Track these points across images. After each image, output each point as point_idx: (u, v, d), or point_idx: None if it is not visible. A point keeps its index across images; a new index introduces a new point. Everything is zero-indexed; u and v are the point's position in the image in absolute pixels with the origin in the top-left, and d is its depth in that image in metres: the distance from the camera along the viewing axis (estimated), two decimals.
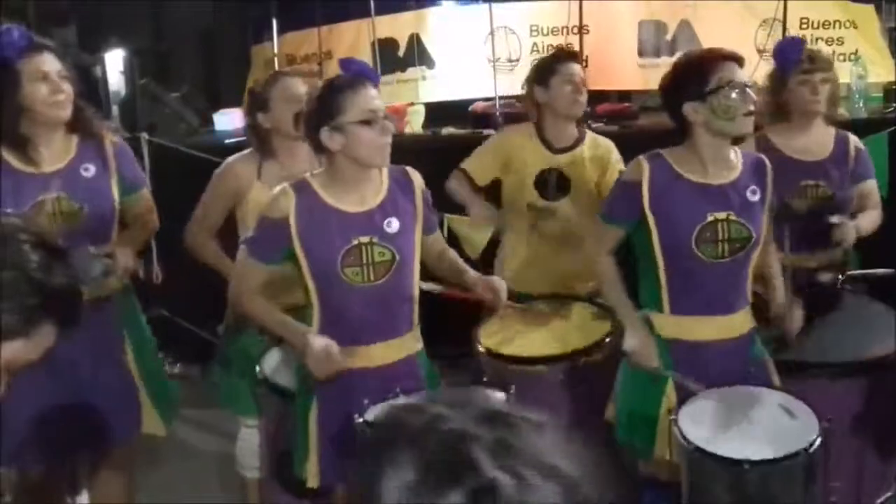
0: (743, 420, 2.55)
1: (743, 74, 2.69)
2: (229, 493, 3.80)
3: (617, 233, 2.85)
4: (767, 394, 2.65)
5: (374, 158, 2.56)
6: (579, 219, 3.51)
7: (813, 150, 3.36)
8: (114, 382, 2.96)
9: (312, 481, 2.70)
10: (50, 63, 2.78)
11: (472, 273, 2.82)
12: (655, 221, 2.72)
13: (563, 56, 3.67)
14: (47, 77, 2.76)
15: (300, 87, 3.24)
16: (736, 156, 2.77)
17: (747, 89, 2.65)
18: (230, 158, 3.32)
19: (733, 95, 2.62)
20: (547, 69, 3.56)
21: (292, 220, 2.56)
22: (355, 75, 2.60)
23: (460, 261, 2.89)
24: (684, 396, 2.65)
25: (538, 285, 3.52)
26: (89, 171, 2.90)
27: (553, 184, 3.56)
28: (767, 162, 2.81)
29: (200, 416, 4.36)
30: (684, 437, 2.47)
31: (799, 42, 3.45)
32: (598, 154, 3.60)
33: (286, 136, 3.20)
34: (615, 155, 3.62)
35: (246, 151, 3.31)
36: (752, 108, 2.65)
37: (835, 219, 3.21)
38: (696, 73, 2.68)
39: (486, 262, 3.73)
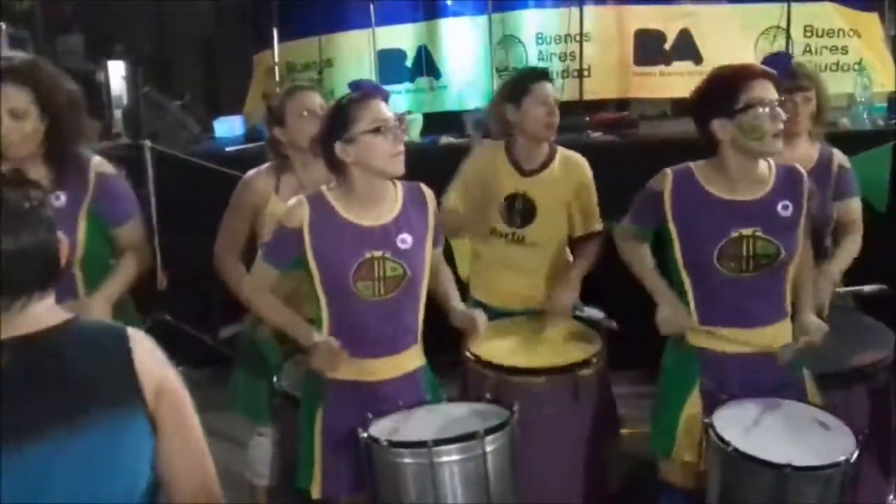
0: (777, 428, 2.52)
1: (774, 92, 2.62)
2: (232, 497, 3.80)
3: (640, 232, 2.87)
4: (800, 406, 2.62)
5: (387, 167, 2.57)
6: (547, 244, 3.44)
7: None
8: None
9: (316, 492, 2.70)
10: (3, 100, 2.57)
11: (455, 303, 2.85)
12: (678, 233, 2.71)
13: (536, 75, 3.50)
14: None
15: (316, 101, 3.23)
16: (769, 169, 2.73)
17: (777, 109, 2.60)
18: (248, 174, 3.29)
19: (762, 116, 2.58)
20: (520, 87, 3.41)
21: (306, 231, 2.58)
22: (364, 92, 2.62)
23: (452, 285, 2.90)
24: (714, 403, 2.63)
25: (512, 302, 3.48)
26: (59, 199, 2.70)
27: (519, 210, 3.43)
28: (803, 171, 2.76)
29: (204, 421, 4.35)
30: (721, 439, 2.44)
31: (785, 58, 3.38)
32: (570, 173, 3.45)
33: (302, 149, 3.20)
34: (588, 171, 3.47)
35: (264, 166, 3.29)
36: (781, 127, 2.60)
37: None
38: (727, 90, 2.63)
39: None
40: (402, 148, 2.57)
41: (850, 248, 3.30)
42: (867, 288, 3.35)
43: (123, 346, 1.54)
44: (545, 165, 3.44)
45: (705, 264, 2.67)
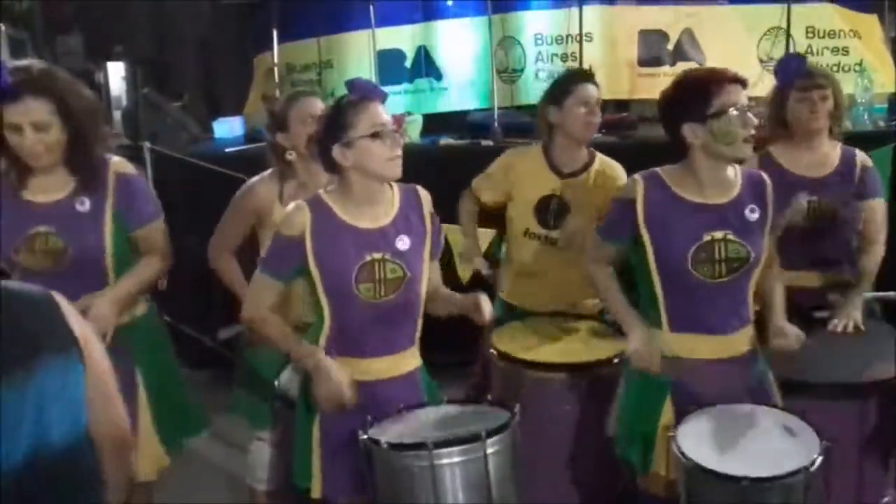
0: (742, 438, 2.52)
1: (745, 97, 2.63)
2: (232, 498, 3.81)
3: (613, 249, 2.86)
4: (767, 412, 2.63)
5: (384, 171, 2.57)
6: (580, 246, 3.37)
7: (816, 166, 3.31)
8: None
9: (316, 491, 2.69)
10: (24, 113, 2.60)
11: (458, 295, 2.80)
12: (650, 240, 2.71)
13: (579, 76, 3.55)
14: (19, 128, 2.61)
15: (318, 107, 3.21)
16: (735, 174, 2.74)
17: (749, 113, 2.60)
18: (251, 180, 3.30)
19: (734, 120, 2.58)
20: (562, 89, 3.45)
21: (308, 237, 2.57)
22: (362, 94, 2.60)
23: (447, 289, 2.86)
24: (683, 413, 2.64)
25: (544, 304, 3.49)
26: (84, 204, 2.76)
27: (553, 211, 3.46)
28: (768, 180, 2.76)
29: None
30: (683, 454, 2.45)
31: (798, 59, 3.36)
32: (606, 179, 3.47)
33: (305, 156, 3.19)
34: (622, 181, 3.41)
35: (267, 172, 3.29)
36: (752, 132, 2.61)
37: (834, 325, 3.15)
38: (698, 95, 2.63)
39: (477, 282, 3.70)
40: (399, 152, 2.57)
41: (875, 254, 3.29)
42: (893, 294, 3.34)
43: (53, 303, 1.75)
44: (583, 170, 3.47)
45: (679, 269, 2.67)
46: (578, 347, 3.22)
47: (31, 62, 2.72)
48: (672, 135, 2.71)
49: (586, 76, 3.54)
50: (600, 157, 3.53)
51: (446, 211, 3.54)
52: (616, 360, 3.09)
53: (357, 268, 2.57)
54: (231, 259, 3.27)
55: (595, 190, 3.44)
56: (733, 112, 2.58)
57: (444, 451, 2.39)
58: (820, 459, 2.37)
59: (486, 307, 2.67)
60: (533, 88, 5.72)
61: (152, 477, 2.98)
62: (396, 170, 2.58)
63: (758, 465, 2.37)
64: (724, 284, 2.68)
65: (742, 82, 2.65)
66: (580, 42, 5.45)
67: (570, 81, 3.48)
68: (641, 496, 2.91)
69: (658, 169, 2.76)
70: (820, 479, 2.39)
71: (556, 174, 3.47)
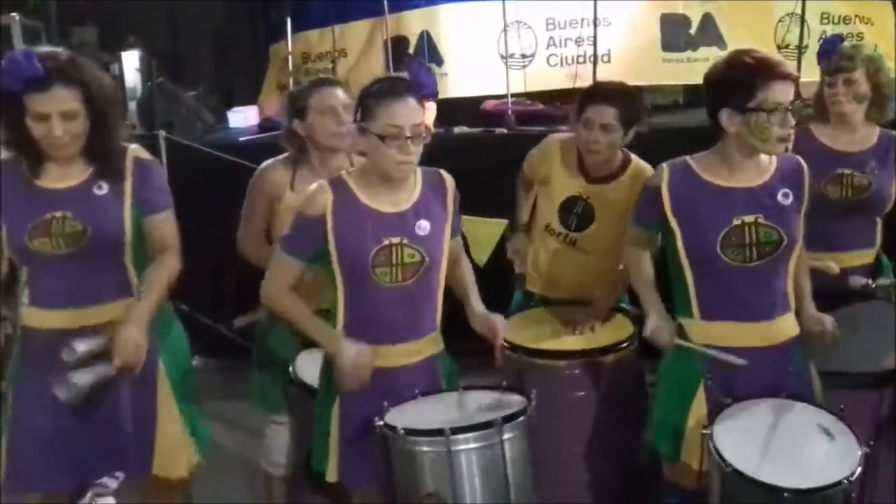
0: (780, 440, 2.48)
1: (791, 94, 2.56)
2: (248, 485, 3.83)
3: (645, 234, 2.86)
4: (806, 411, 2.58)
5: (389, 171, 2.56)
6: (600, 254, 3.33)
7: (853, 144, 3.32)
8: (130, 412, 2.76)
9: (331, 476, 2.70)
10: (51, 102, 2.55)
11: (475, 303, 2.78)
12: (679, 226, 2.70)
13: (592, 95, 3.27)
14: (47, 117, 2.56)
15: (339, 98, 3.17)
16: (769, 159, 2.71)
17: (788, 115, 2.55)
18: (264, 164, 3.28)
19: (773, 119, 2.55)
20: (578, 105, 3.26)
21: (329, 217, 2.57)
22: (394, 85, 2.56)
23: (471, 280, 2.85)
24: (716, 404, 2.62)
25: (564, 293, 3.45)
26: (102, 188, 2.71)
27: (577, 213, 3.33)
28: (804, 164, 2.74)
29: (219, 409, 4.38)
30: (720, 456, 2.42)
31: (832, 41, 3.36)
32: (637, 185, 3.16)
33: (320, 146, 3.19)
34: None
35: (281, 157, 3.28)
36: (788, 132, 2.58)
37: (876, 281, 3.15)
38: (743, 85, 2.57)
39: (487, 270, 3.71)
40: (409, 158, 2.53)
41: None
42: None
43: None
44: (614, 176, 3.31)
45: (709, 254, 2.66)
46: (585, 335, 3.21)
47: (56, 49, 2.67)
48: (710, 114, 2.67)
49: (599, 95, 3.25)
50: (635, 162, 3.32)
51: (460, 199, 3.55)
52: (625, 346, 3.08)
53: (374, 251, 2.57)
54: (259, 245, 3.23)
55: (626, 197, 3.19)
56: (774, 114, 2.54)
57: (461, 437, 2.40)
58: (860, 470, 2.33)
59: (500, 335, 2.68)
60: (544, 75, 5.70)
61: (183, 473, 2.89)
62: (403, 173, 2.56)
63: (796, 471, 2.34)
64: (756, 269, 2.65)
65: (792, 78, 2.58)
66: (594, 26, 5.35)
67: (585, 99, 3.26)
68: (664, 486, 2.90)
69: (687, 157, 2.75)
70: (859, 486, 2.36)
71: (584, 177, 3.32)
